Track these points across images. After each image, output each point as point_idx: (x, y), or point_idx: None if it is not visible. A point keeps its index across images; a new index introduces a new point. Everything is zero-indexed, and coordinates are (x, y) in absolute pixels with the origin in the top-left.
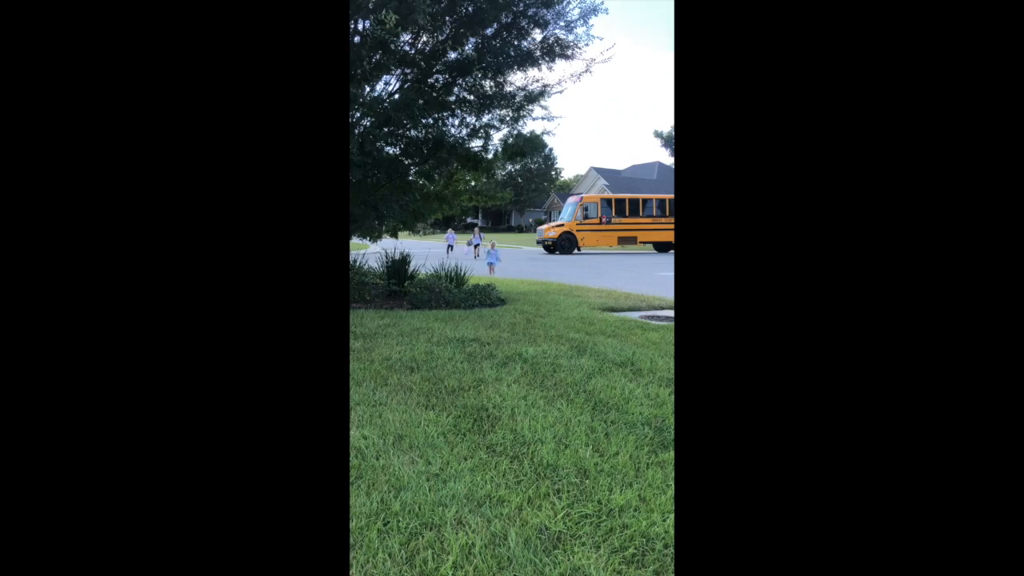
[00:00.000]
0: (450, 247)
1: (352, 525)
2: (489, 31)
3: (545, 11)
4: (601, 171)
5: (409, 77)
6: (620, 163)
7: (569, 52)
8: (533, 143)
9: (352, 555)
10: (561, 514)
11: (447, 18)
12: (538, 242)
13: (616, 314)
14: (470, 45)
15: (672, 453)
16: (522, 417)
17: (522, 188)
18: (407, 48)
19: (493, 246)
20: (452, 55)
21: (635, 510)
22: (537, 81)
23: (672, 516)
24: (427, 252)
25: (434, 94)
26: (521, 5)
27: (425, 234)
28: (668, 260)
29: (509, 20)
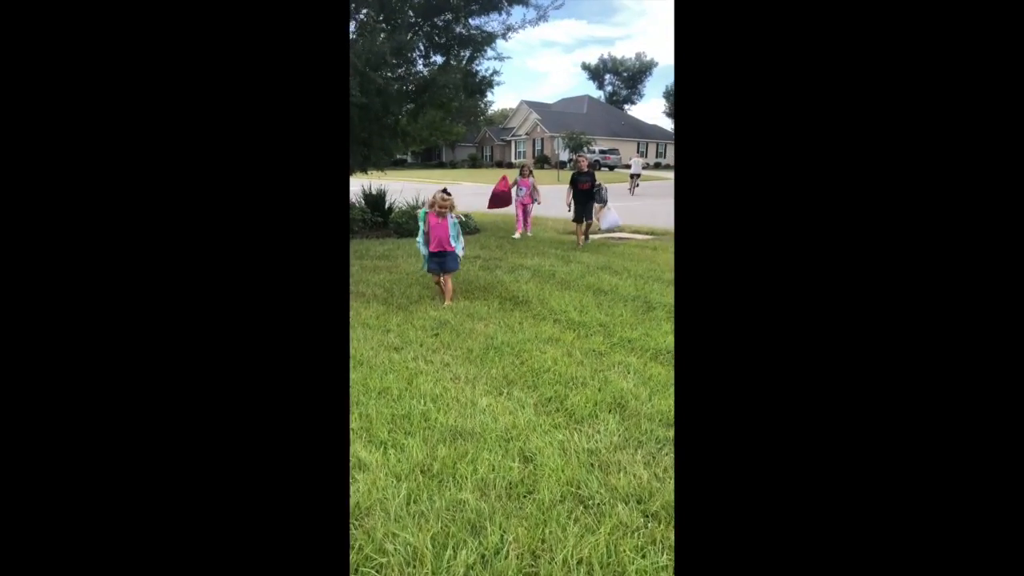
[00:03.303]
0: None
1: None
2: None
3: None
4: (532, 104)
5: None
6: (549, 97)
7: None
8: (488, 82)
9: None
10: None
11: None
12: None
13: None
14: None
15: (656, 312)
16: (546, 299)
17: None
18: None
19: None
20: None
21: (646, 337)
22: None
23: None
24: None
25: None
26: None
27: (385, 170)
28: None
29: None
